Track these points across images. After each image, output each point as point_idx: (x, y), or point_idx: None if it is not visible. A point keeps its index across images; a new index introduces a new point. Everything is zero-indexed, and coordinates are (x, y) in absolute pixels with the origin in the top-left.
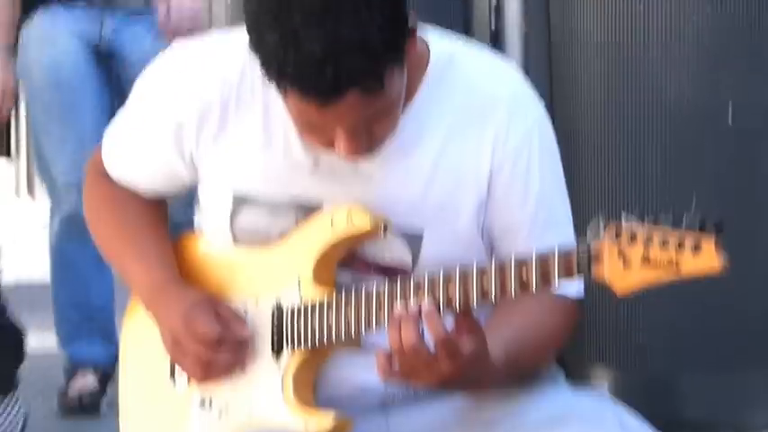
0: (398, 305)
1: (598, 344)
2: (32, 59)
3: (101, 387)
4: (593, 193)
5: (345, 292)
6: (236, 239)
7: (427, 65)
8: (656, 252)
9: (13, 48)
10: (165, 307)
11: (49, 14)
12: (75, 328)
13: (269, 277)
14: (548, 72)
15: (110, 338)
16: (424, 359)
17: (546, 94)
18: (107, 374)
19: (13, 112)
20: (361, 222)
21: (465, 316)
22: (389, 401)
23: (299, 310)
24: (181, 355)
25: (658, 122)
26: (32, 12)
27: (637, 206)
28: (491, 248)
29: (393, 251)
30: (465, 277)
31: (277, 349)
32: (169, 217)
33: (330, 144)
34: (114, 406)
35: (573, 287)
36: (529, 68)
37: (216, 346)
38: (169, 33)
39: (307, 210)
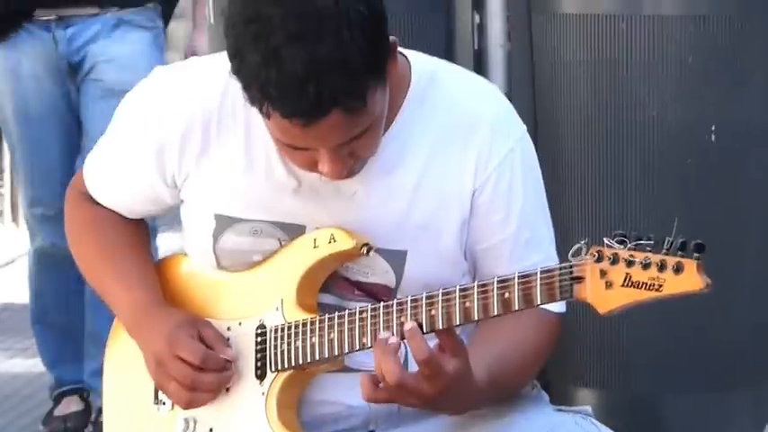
0: (378, 336)
1: (582, 364)
2: (1, 92)
3: (86, 408)
4: (576, 211)
5: (329, 313)
6: (219, 261)
7: (409, 84)
8: (638, 273)
9: None
10: (149, 330)
11: (9, 44)
12: (58, 352)
13: (252, 299)
14: (531, 91)
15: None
16: (409, 387)
17: (529, 113)
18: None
19: None
20: (344, 243)
21: (448, 336)
22: (374, 422)
23: (282, 332)
24: (165, 378)
25: (642, 141)
26: None
27: (620, 226)
28: (474, 267)
29: (376, 271)
30: (448, 298)
31: (260, 371)
32: None
33: (313, 165)
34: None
35: (556, 302)
36: (512, 88)
37: (200, 368)
38: None
39: (289, 231)
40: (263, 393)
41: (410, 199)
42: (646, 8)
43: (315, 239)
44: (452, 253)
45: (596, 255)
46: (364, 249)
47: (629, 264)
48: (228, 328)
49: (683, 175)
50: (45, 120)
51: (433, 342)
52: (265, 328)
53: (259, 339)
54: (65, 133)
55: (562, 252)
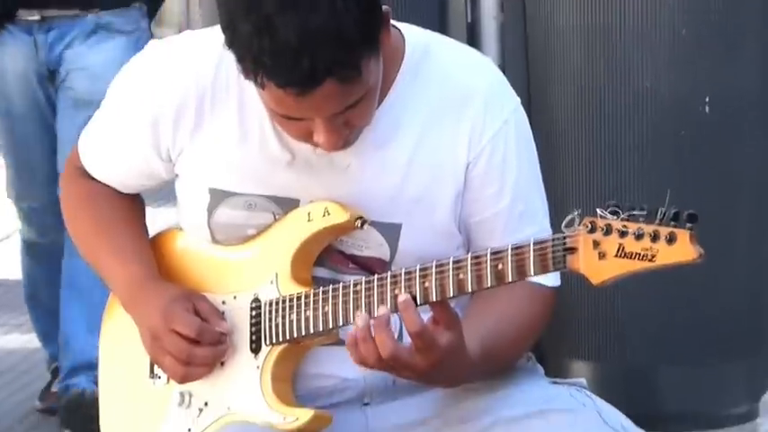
0: (361, 320)
1: (577, 337)
2: None
3: None
4: (569, 182)
5: (323, 286)
6: (213, 235)
7: (402, 57)
8: (631, 244)
9: None
10: (144, 304)
11: None
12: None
13: (247, 273)
14: (524, 62)
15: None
16: (402, 360)
17: (523, 84)
18: None
19: None
20: (338, 216)
21: (442, 309)
22: (368, 395)
23: (276, 305)
24: (160, 352)
25: (635, 110)
26: None
27: (613, 196)
28: (468, 240)
29: (371, 244)
30: (441, 270)
31: (255, 345)
32: None
33: (308, 136)
34: None
35: (550, 276)
36: (505, 59)
37: (195, 342)
38: None
39: (284, 204)
40: (257, 367)
41: (404, 172)
42: None
43: (309, 213)
44: (447, 226)
45: (589, 225)
46: (358, 222)
47: (622, 234)
48: (223, 302)
49: (676, 146)
50: (28, 119)
51: (427, 315)
52: (260, 301)
53: (254, 313)
54: (48, 133)
55: (555, 223)
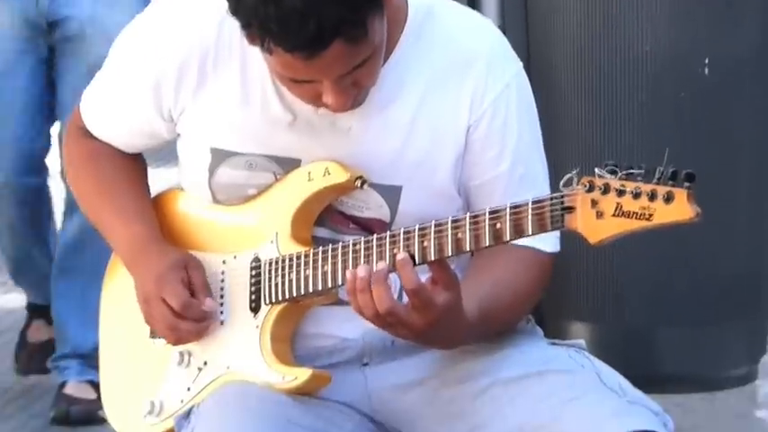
0: (362, 270)
1: (575, 298)
2: None
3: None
4: (568, 142)
5: (323, 245)
6: (214, 195)
7: (405, 18)
8: (628, 203)
9: None
10: (143, 266)
11: None
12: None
13: (247, 233)
14: (524, 24)
15: None
16: (399, 317)
17: (522, 45)
18: None
19: None
20: (338, 176)
21: (441, 269)
22: (368, 355)
23: (276, 265)
24: (150, 316)
25: (634, 71)
26: None
27: (612, 158)
28: (468, 204)
29: (371, 205)
30: (440, 229)
31: (255, 305)
32: None
33: (317, 98)
34: None
35: (548, 241)
36: (505, 20)
37: (180, 315)
38: None
39: (285, 164)
40: (257, 326)
41: (405, 134)
42: None
43: (309, 173)
44: (447, 189)
45: (587, 185)
46: (358, 182)
47: (620, 193)
48: (224, 262)
49: (676, 106)
50: (10, 88)
51: (426, 276)
52: (260, 261)
53: (253, 273)
54: (31, 104)
55: (554, 183)
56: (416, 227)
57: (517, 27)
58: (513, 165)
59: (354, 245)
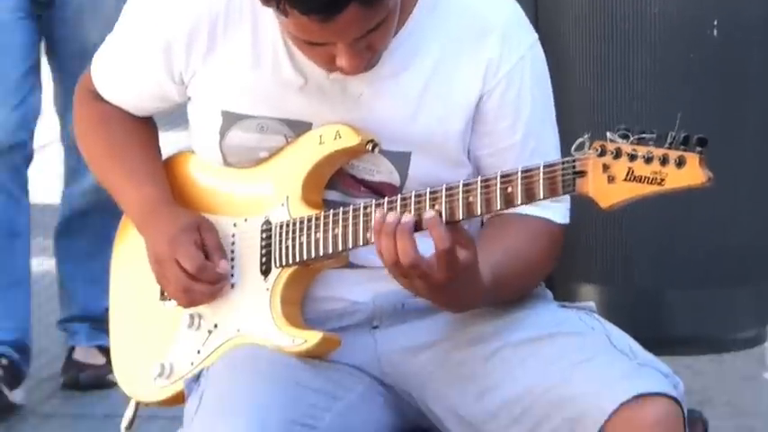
0: (391, 216)
1: (585, 260)
2: None
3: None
4: (579, 107)
5: (333, 208)
6: (225, 158)
7: None
8: (640, 167)
9: None
10: (154, 228)
11: None
12: None
13: (258, 196)
14: None
15: None
16: (421, 269)
17: (531, 10)
18: None
19: None
20: (349, 139)
21: (456, 229)
22: (378, 318)
23: (287, 227)
24: (163, 277)
25: (643, 35)
26: None
27: (623, 121)
28: (478, 172)
29: (381, 169)
30: (451, 193)
31: (265, 267)
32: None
33: (331, 61)
34: None
35: (558, 212)
36: None
37: (194, 277)
38: None
39: (296, 127)
40: (267, 289)
41: (416, 102)
42: None
43: (320, 136)
44: (456, 155)
45: (599, 149)
46: (369, 146)
47: (632, 158)
48: (234, 225)
49: (685, 70)
50: (5, 52)
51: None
52: (271, 224)
53: (264, 236)
54: (26, 70)
55: (565, 149)
56: (428, 190)
57: None
58: (525, 137)
59: (365, 207)
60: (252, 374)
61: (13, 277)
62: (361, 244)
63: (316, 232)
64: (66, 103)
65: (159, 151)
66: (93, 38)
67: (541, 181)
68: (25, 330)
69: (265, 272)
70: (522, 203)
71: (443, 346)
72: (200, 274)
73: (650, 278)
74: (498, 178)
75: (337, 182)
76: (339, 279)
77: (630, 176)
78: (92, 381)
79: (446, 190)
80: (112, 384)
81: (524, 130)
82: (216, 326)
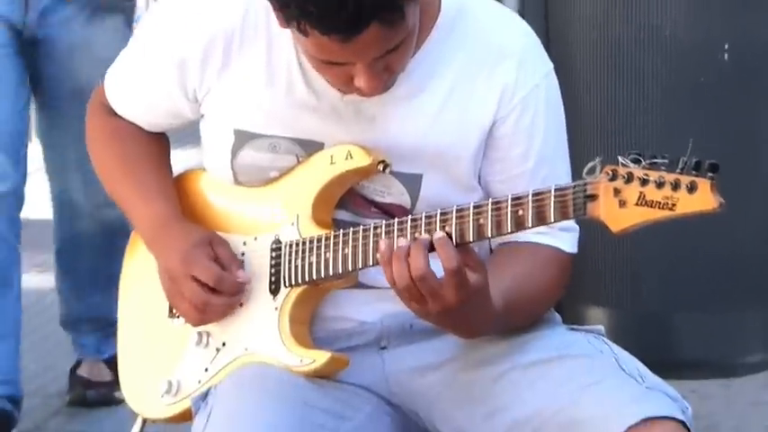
0: (402, 240)
1: (594, 284)
2: None
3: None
4: (590, 130)
5: (343, 228)
6: (236, 176)
7: (438, 12)
8: (652, 192)
9: None
10: (165, 245)
11: None
12: None
13: (268, 215)
14: (543, 9)
15: None
16: (432, 288)
17: (542, 31)
18: None
19: None
20: (361, 159)
21: (467, 252)
22: (386, 339)
23: (296, 247)
24: (177, 295)
25: (654, 60)
26: None
27: (634, 146)
28: (489, 197)
29: (392, 191)
30: (461, 215)
31: (274, 286)
32: None
33: (349, 81)
34: None
35: (568, 242)
36: (525, 4)
37: (212, 290)
38: None
39: (308, 147)
40: (276, 308)
41: (430, 125)
42: None
43: (332, 156)
44: (467, 179)
45: (611, 173)
46: (381, 166)
47: (644, 182)
48: (244, 243)
49: (696, 94)
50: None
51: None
52: (280, 243)
53: (274, 254)
54: (17, 104)
55: (576, 170)
56: (438, 212)
57: (536, 11)
58: (537, 165)
59: (375, 228)
60: (260, 393)
61: (2, 330)
62: (371, 264)
63: (325, 252)
64: (55, 144)
65: (170, 168)
66: (87, 77)
67: (552, 204)
68: (15, 383)
69: (274, 291)
70: (532, 226)
71: (451, 366)
72: (219, 285)
73: (658, 302)
74: (509, 201)
75: (348, 202)
76: (348, 299)
77: (642, 201)
78: (99, 398)
79: (456, 211)
80: (119, 401)
81: (537, 157)
82: (224, 344)
